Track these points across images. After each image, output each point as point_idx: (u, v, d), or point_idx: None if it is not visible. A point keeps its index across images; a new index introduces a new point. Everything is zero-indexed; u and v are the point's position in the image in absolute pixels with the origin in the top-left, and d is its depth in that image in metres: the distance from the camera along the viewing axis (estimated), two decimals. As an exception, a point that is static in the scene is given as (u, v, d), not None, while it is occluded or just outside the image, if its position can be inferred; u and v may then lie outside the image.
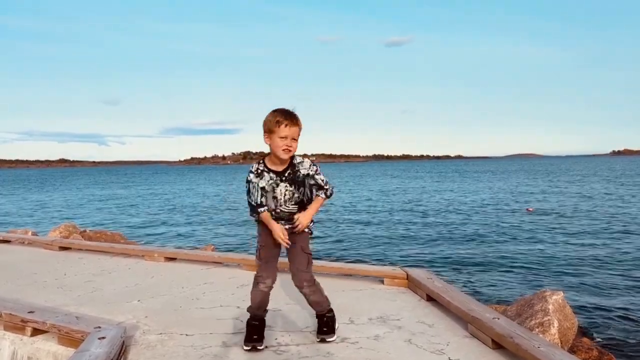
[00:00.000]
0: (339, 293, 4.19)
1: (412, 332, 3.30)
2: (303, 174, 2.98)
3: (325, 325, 3.18)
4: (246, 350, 3.01)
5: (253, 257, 5.57)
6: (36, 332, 3.43)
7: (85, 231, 9.97)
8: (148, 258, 5.83)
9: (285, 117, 2.86)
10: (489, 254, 10.32)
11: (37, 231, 10.04)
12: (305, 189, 3.02)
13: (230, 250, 11.23)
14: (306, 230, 3.07)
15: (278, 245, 3.08)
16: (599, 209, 18.95)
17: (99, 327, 3.15)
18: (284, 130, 2.85)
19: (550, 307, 3.98)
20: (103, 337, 2.94)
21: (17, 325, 3.48)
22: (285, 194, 2.99)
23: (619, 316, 6.05)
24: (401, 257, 10.50)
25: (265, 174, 2.99)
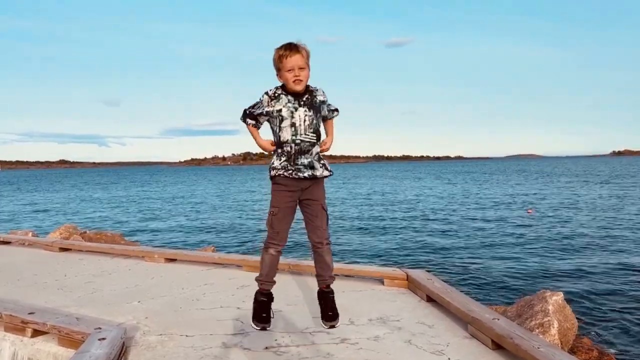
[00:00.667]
0: (339, 294, 4.16)
1: (412, 333, 3.30)
2: (320, 100, 2.94)
3: (331, 308, 2.98)
4: (257, 329, 2.94)
5: (253, 258, 5.58)
6: (36, 333, 3.43)
7: (85, 232, 9.97)
8: (148, 259, 5.83)
9: (285, 49, 2.82)
10: (489, 255, 10.32)
11: (37, 232, 10.05)
12: (320, 116, 2.95)
13: (231, 252, 11.24)
14: (327, 174, 2.96)
15: (291, 212, 2.97)
16: (599, 210, 18.95)
17: (99, 328, 3.16)
18: (288, 61, 2.80)
19: (550, 307, 3.99)
20: (103, 338, 2.94)
21: (17, 327, 3.48)
22: (305, 120, 2.88)
23: (619, 317, 6.06)
24: (401, 258, 10.51)
25: (283, 96, 2.88)
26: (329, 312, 2.95)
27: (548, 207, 20.11)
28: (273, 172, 2.90)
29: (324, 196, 3.00)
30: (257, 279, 3.03)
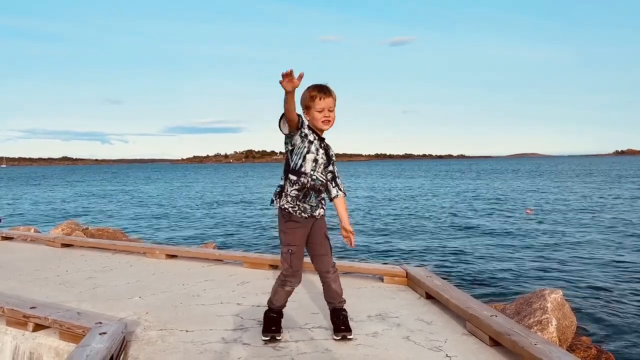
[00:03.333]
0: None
1: (410, 330, 3.32)
2: (332, 153, 3.11)
3: (344, 323, 3.19)
4: (265, 340, 3.11)
5: (254, 255, 5.62)
6: (38, 327, 3.46)
7: (87, 228, 10.01)
8: (149, 255, 5.86)
9: (318, 90, 2.94)
10: (488, 253, 10.33)
11: (39, 228, 10.09)
12: (331, 166, 3.12)
13: (231, 248, 11.28)
14: (323, 213, 3.18)
15: (303, 246, 3.14)
16: (599, 209, 18.94)
17: (100, 323, 3.18)
18: (320, 103, 2.92)
19: (549, 305, 4.00)
20: (104, 333, 2.97)
21: (19, 321, 3.51)
22: (320, 161, 3.03)
23: (619, 315, 6.06)
24: (401, 255, 10.53)
25: (311, 133, 3.00)
26: (341, 327, 3.17)
27: (547, 207, 20.10)
28: (285, 206, 3.02)
29: (325, 225, 3.21)
30: (269, 304, 3.24)
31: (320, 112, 2.94)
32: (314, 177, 3.00)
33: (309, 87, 2.98)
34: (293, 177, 2.98)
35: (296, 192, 2.99)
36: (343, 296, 3.27)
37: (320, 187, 3.06)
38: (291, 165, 2.99)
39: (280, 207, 3.05)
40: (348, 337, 3.14)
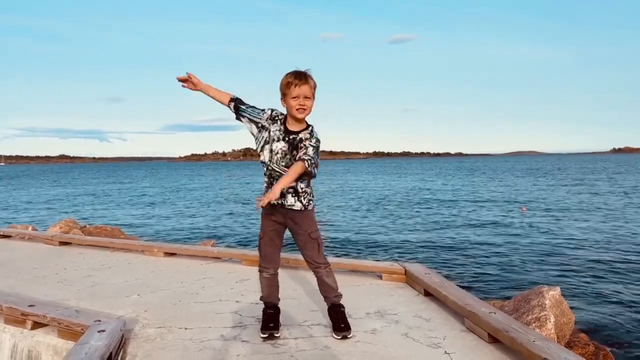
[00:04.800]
0: (337, 288, 4.21)
1: (409, 327, 3.32)
2: (300, 137, 2.96)
3: (342, 320, 3.17)
4: (263, 337, 3.10)
5: (253, 253, 5.61)
6: (36, 325, 3.45)
7: (85, 226, 10.00)
8: (148, 253, 5.86)
9: (294, 77, 2.89)
10: (486, 250, 10.35)
11: (37, 226, 10.08)
12: (297, 152, 2.95)
13: (230, 246, 11.27)
14: (298, 207, 3.01)
15: (277, 236, 3.13)
16: (596, 206, 18.98)
17: (99, 321, 3.18)
18: (294, 90, 2.87)
19: (547, 302, 4.01)
20: (103, 330, 2.96)
21: (17, 319, 3.50)
22: (279, 151, 2.97)
23: (617, 312, 6.08)
24: (399, 252, 10.54)
25: (279, 123, 2.99)
26: (341, 325, 3.15)
27: (543, 205, 20.14)
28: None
29: (311, 225, 3.09)
30: (260, 299, 3.28)
31: (294, 99, 2.88)
32: (271, 167, 3.01)
33: (286, 74, 2.94)
34: (260, 161, 3.07)
35: (265, 177, 3.08)
36: (339, 291, 3.26)
37: (279, 177, 2.95)
38: (256, 149, 3.08)
39: None
40: (348, 336, 3.13)
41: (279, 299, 3.28)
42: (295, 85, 2.87)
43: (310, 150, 2.91)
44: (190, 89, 3.04)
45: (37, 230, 8.72)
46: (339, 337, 3.11)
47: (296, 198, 3.02)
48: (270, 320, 3.17)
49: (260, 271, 3.21)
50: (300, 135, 2.97)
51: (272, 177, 3.02)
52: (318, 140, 2.96)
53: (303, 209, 3.05)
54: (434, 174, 57.36)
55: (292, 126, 2.99)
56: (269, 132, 3.00)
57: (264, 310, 3.24)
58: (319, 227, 3.18)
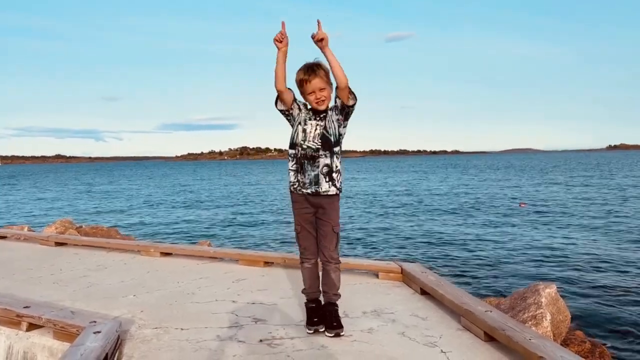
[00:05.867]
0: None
1: (405, 325, 3.32)
2: (330, 109, 3.08)
3: (335, 319, 3.20)
4: (309, 333, 3.15)
5: (249, 252, 5.60)
6: (32, 326, 3.43)
7: (81, 227, 9.96)
8: (144, 253, 5.84)
9: (304, 73, 2.98)
10: (482, 248, 10.37)
11: (33, 227, 10.04)
12: (333, 124, 3.06)
13: (227, 245, 11.26)
14: (333, 192, 3.08)
15: (313, 228, 3.16)
16: (592, 203, 19.03)
17: (95, 322, 3.17)
18: (308, 87, 2.98)
19: (543, 300, 4.02)
20: (98, 332, 2.95)
21: (12, 320, 3.49)
22: (316, 128, 3.06)
23: (613, 310, 6.10)
24: (396, 251, 10.55)
25: (304, 109, 3.10)
26: (333, 323, 3.17)
27: (540, 201, 20.19)
28: (289, 185, 3.16)
29: (335, 217, 3.15)
30: (302, 292, 3.32)
31: (310, 95, 3.00)
32: (304, 146, 3.05)
33: (297, 71, 3.03)
34: (291, 151, 3.12)
35: (294, 165, 3.11)
36: (339, 291, 3.27)
37: (314, 154, 3.04)
38: (290, 141, 3.13)
39: (289, 188, 3.19)
40: (340, 334, 3.14)
41: (320, 292, 3.29)
42: (308, 82, 2.97)
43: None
44: (279, 47, 2.93)
45: (32, 230, 8.68)
46: (332, 335, 3.12)
47: (330, 183, 3.08)
48: (314, 315, 3.21)
49: (301, 262, 3.26)
50: (334, 114, 3.08)
51: (306, 158, 3.05)
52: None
53: (338, 192, 3.12)
54: (430, 172, 57.42)
55: (318, 111, 3.09)
56: (300, 114, 3.09)
57: (306, 305, 3.27)
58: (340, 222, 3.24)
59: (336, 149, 3.08)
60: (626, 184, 28.75)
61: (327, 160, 3.05)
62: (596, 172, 44.22)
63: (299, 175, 3.08)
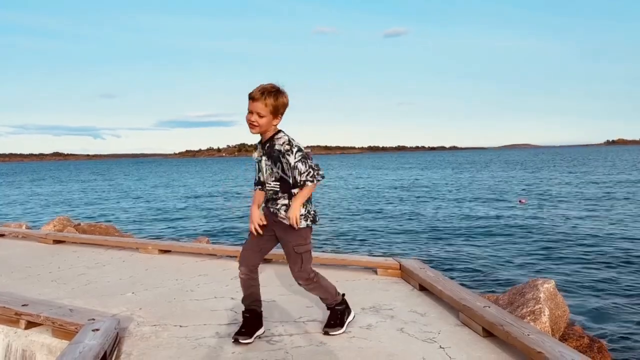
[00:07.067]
0: (333, 284, 4.20)
1: (404, 321, 3.33)
2: (277, 150, 2.89)
3: (333, 317, 3.18)
4: (232, 341, 3.00)
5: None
6: (30, 324, 3.43)
7: (79, 224, 9.94)
8: (142, 250, 5.84)
9: (256, 91, 2.84)
10: (481, 244, 10.38)
11: (31, 225, 10.02)
12: (282, 165, 2.88)
13: (225, 242, 11.26)
14: (287, 223, 2.91)
15: (265, 237, 3.01)
16: (591, 199, 19.06)
17: (93, 319, 3.16)
18: (250, 104, 2.85)
19: (542, 295, 4.02)
20: (97, 329, 2.95)
21: (11, 318, 3.48)
22: (266, 169, 2.96)
23: (611, 305, 6.12)
24: (394, 247, 10.55)
25: (259, 145, 3.02)
26: (331, 322, 3.17)
27: (540, 197, 20.21)
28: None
29: (298, 240, 2.95)
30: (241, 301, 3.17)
31: (248, 113, 2.85)
32: (267, 188, 2.99)
33: (259, 85, 2.89)
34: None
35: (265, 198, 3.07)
36: (336, 297, 3.21)
37: (274, 196, 2.95)
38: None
39: None
40: (331, 332, 3.10)
41: (257, 304, 3.11)
42: (251, 100, 2.84)
43: (302, 166, 2.84)
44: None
45: (30, 228, 8.67)
46: (323, 332, 3.13)
47: (286, 216, 2.93)
48: (244, 325, 3.05)
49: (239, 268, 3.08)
50: (276, 146, 2.88)
51: (268, 192, 2.98)
52: (300, 149, 2.87)
53: (287, 223, 2.93)
54: (428, 168, 57.44)
55: (263, 138, 2.97)
56: (256, 157, 3.03)
57: (242, 312, 3.11)
58: (311, 242, 3.05)
59: (295, 191, 2.91)
60: (627, 180, 28.79)
61: (286, 202, 2.93)
62: (595, 168, 44.27)
63: (266, 203, 3.03)
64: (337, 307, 3.21)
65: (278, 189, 2.93)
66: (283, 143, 2.87)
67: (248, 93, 2.86)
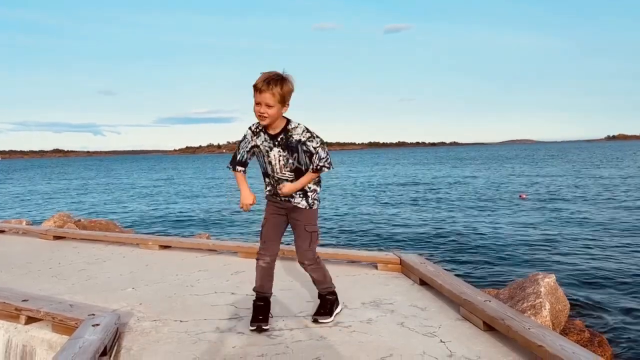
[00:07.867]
0: (333, 279, 4.19)
1: (404, 316, 3.33)
2: (296, 140, 2.94)
3: (323, 306, 3.24)
4: (251, 330, 3.07)
5: (248, 244, 5.60)
6: (30, 320, 3.43)
7: (79, 220, 9.95)
8: (142, 246, 5.83)
9: (261, 82, 2.81)
10: (482, 239, 10.37)
11: (31, 221, 10.03)
12: (299, 155, 2.96)
13: (226, 238, 11.26)
14: (303, 206, 3.06)
15: (279, 224, 3.14)
16: (593, 193, 19.05)
17: (93, 315, 3.16)
18: (256, 96, 2.84)
19: (542, 289, 4.02)
20: (97, 324, 2.95)
21: (11, 314, 3.48)
22: (279, 160, 2.98)
23: (612, 299, 6.11)
24: (394, 242, 10.55)
25: (262, 133, 3.00)
26: (321, 310, 3.24)
27: (541, 191, 20.20)
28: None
29: (310, 220, 3.10)
30: (253, 289, 3.24)
31: (257, 105, 2.85)
32: (276, 177, 3.04)
33: (261, 74, 2.86)
34: (265, 179, 3.15)
35: (268, 186, 3.15)
36: (332, 284, 3.32)
37: (288, 180, 3.03)
38: (261, 169, 3.14)
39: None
40: (320, 320, 3.18)
41: (271, 292, 3.25)
42: (258, 91, 2.82)
43: (322, 152, 2.95)
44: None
45: (31, 224, 8.67)
46: (312, 320, 3.20)
47: (303, 197, 3.07)
48: (260, 313, 3.13)
49: (257, 259, 3.19)
50: (295, 136, 2.93)
51: (279, 181, 3.04)
52: (318, 136, 2.98)
53: (308, 207, 3.09)
54: (429, 163, 57.41)
55: (271, 129, 2.96)
56: (259, 147, 3.03)
57: (254, 302, 3.20)
58: (318, 224, 3.19)
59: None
60: (627, 174, 28.77)
61: (300, 190, 3.06)
62: (595, 162, 44.23)
63: (273, 189, 3.10)
64: (328, 297, 3.28)
65: (293, 179, 3.02)
66: (302, 132, 2.94)
67: (252, 84, 2.85)
